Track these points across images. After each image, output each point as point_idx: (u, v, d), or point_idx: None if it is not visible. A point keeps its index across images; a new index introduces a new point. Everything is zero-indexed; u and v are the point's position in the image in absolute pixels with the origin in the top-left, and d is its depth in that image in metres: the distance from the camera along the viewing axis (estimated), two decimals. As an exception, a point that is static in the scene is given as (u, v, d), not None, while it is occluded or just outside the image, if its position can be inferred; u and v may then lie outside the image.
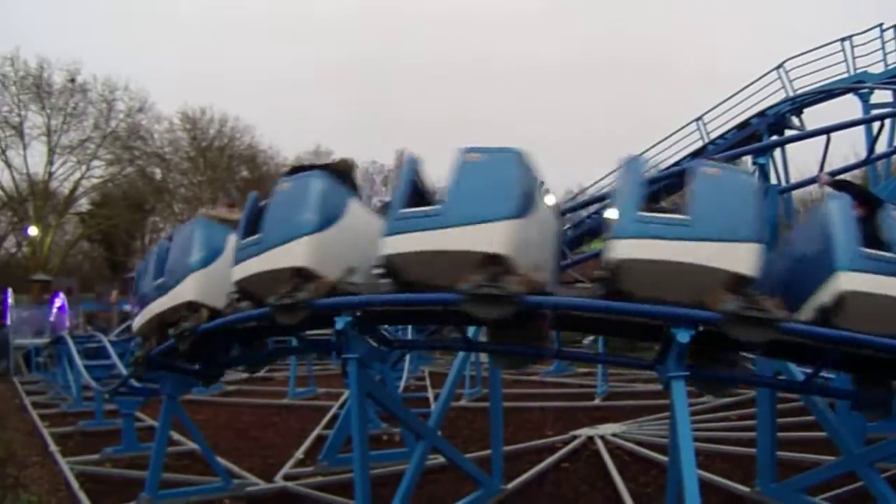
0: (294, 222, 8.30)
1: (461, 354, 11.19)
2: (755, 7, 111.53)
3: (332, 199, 8.43)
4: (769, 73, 24.90)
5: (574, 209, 24.28)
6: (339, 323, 8.18)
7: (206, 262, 10.00)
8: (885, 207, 7.79)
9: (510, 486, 11.92)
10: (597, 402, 21.26)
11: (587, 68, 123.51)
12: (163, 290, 10.35)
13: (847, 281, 7.04)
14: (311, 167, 10.00)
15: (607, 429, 16.44)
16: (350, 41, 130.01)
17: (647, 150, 28.55)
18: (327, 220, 8.30)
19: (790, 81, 24.69)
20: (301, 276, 8.08)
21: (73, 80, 67.10)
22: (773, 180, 11.73)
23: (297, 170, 9.74)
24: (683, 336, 6.77)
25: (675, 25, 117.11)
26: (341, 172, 9.24)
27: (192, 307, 9.72)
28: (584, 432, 16.11)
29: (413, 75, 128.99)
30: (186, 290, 9.99)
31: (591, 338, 31.66)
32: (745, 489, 11.00)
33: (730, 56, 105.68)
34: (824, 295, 7.13)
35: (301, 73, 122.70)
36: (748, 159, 12.07)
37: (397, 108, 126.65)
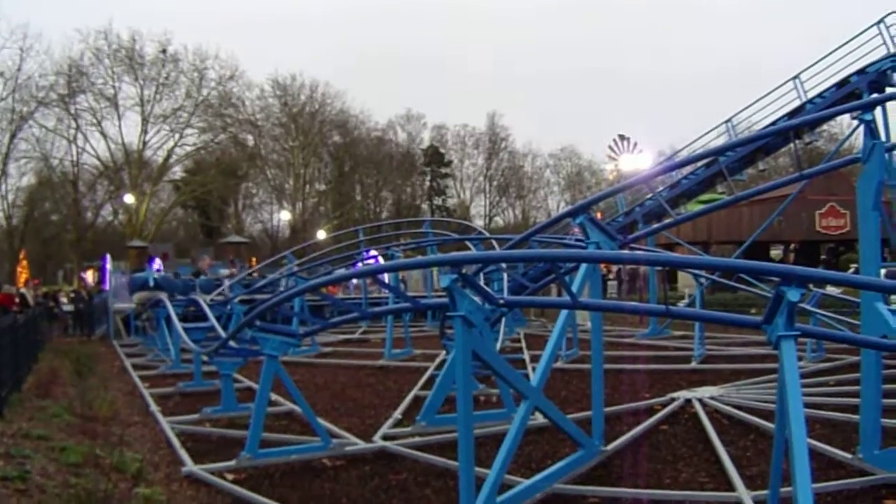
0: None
1: (563, 314, 11.06)
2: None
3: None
4: (869, 28, 23.73)
5: (669, 170, 23.90)
6: (445, 280, 8.17)
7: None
8: None
9: (610, 447, 11.80)
10: (693, 364, 20.98)
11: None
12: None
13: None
14: None
15: (705, 391, 16.26)
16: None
17: (742, 111, 28.01)
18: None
19: (892, 37, 23.40)
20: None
21: (164, 51, 68.69)
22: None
23: None
24: (794, 294, 6.55)
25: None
26: None
27: None
28: (683, 395, 15.93)
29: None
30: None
31: (686, 300, 31.41)
32: (847, 455, 10.72)
33: None
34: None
35: (388, 39, 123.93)
36: (845, 118, 11.70)
37: (485, 71, 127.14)
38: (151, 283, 32.09)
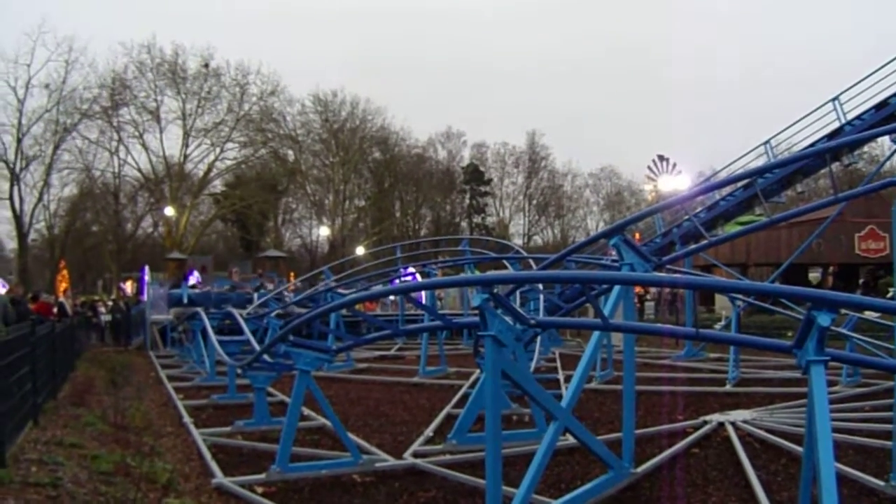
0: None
1: (596, 335, 11.02)
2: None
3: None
4: (909, 49, 23.50)
5: (707, 191, 23.77)
6: (477, 299, 8.17)
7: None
8: None
9: (640, 469, 11.72)
10: (728, 387, 20.79)
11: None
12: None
13: None
14: None
15: (738, 415, 16.09)
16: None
17: (780, 132, 27.83)
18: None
19: (931, 60, 23.15)
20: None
21: (206, 66, 69.28)
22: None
23: None
24: (825, 319, 6.50)
25: None
26: None
27: None
28: (715, 418, 15.77)
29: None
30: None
31: (722, 322, 31.17)
32: (880, 483, 10.57)
33: None
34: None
35: (429, 57, 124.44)
36: (885, 140, 11.59)
37: (527, 92, 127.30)
38: (185, 300, 33.91)
